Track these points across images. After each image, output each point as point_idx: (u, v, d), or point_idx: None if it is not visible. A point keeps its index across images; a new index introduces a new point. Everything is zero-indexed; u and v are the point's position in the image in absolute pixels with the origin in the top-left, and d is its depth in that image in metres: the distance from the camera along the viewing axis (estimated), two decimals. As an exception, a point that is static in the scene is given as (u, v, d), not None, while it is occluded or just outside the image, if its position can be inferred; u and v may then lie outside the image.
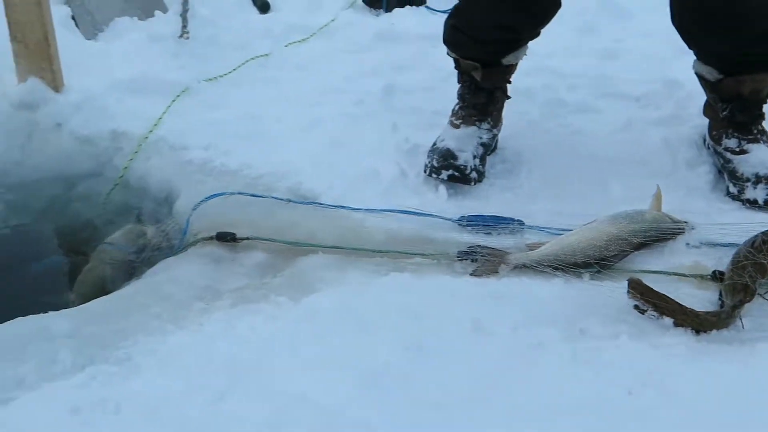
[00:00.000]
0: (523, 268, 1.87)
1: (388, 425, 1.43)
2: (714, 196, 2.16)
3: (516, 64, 2.31)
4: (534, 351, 1.61)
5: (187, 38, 2.99)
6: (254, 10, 3.46)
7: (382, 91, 2.74)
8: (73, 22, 2.97)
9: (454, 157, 2.17)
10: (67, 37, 2.75)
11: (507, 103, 2.60)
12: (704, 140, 2.28)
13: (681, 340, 1.62)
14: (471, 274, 1.86)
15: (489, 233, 2.01)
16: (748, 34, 2.03)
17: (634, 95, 2.70)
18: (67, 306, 2.07)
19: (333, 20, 3.35)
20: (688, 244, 1.92)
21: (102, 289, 2.10)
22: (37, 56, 2.48)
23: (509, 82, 2.34)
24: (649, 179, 2.14)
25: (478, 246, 1.92)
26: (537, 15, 2.21)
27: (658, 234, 1.92)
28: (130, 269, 2.13)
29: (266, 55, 3.06)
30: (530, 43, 2.34)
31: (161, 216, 2.31)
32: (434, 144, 2.25)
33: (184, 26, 3.05)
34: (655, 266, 1.86)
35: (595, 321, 1.69)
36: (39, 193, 2.49)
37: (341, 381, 1.53)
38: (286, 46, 3.15)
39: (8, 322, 1.77)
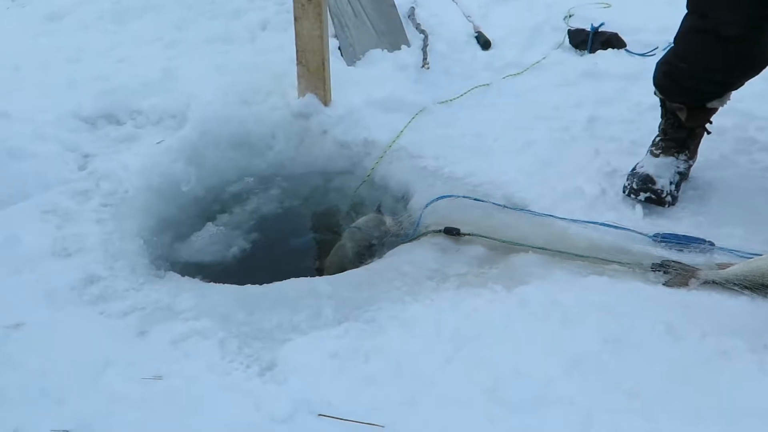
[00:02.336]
0: (711, 284, 1.75)
1: (588, 404, 1.40)
2: None
3: (719, 108, 2.15)
4: (721, 358, 1.52)
5: (428, 68, 3.00)
6: (478, 47, 3.44)
7: (586, 121, 2.63)
8: (339, 51, 3.09)
9: (653, 182, 2.06)
10: (335, 63, 2.88)
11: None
12: None
13: None
14: (663, 284, 1.77)
15: (681, 250, 1.90)
16: None
17: (823, 140, 2.43)
18: (321, 271, 2.20)
19: (544, 58, 3.24)
20: None
21: (349, 262, 2.18)
22: (315, 77, 2.61)
23: (710, 122, 2.19)
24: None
25: (672, 260, 1.82)
26: (747, 71, 2.03)
27: None
28: (372, 249, 2.20)
29: (487, 84, 3.02)
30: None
31: (398, 210, 2.34)
32: (634, 169, 2.15)
33: (425, 58, 3.09)
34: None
35: (780, 338, 1.57)
36: (305, 183, 2.60)
37: (548, 361, 1.52)
38: (503, 78, 3.09)
39: (285, 281, 1.89)
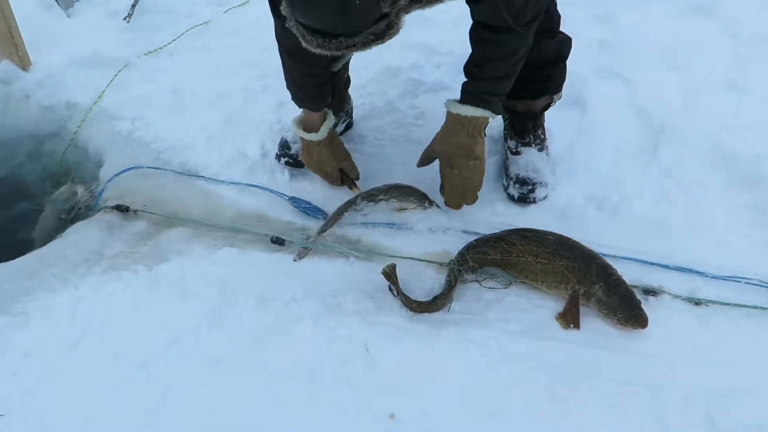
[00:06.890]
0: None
1: (174, 376, 1.77)
2: (494, 186, 2.31)
3: (346, 64, 2.39)
4: (295, 322, 1.89)
5: (128, 22, 3.06)
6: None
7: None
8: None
9: (289, 148, 2.36)
10: (41, 17, 2.95)
11: (373, 81, 2.74)
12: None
13: (396, 321, 1.89)
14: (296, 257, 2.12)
15: (308, 214, 2.25)
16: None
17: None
18: (33, 243, 2.44)
19: (271, -17, 3.37)
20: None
21: (50, 234, 2.42)
22: (5, 45, 2.67)
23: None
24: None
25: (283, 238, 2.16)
26: None
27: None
28: (65, 222, 2.45)
29: (206, 23, 3.13)
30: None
31: (95, 177, 2.56)
32: (284, 133, 2.44)
33: (134, 5, 3.12)
34: (413, 251, 2.10)
35: (351, 297, 1.96)
36: (17, 149, 2.75)
37: (153, 339, 1.86)
38: (225, 12, 3.21)
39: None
